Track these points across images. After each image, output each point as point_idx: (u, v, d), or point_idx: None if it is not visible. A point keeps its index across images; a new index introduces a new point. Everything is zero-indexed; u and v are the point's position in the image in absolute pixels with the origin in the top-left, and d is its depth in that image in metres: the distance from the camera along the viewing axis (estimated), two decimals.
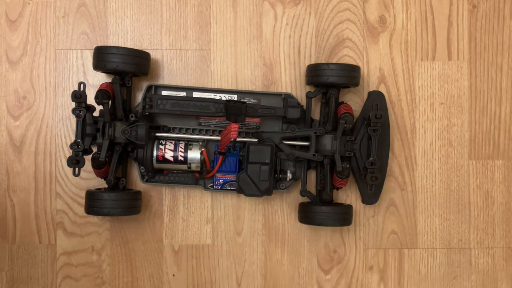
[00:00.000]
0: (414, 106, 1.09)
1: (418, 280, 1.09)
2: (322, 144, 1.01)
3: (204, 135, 1.04)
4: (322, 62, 1.08)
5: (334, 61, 1.08)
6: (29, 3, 1.07)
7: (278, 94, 1.05)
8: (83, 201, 1.02)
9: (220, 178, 1.03)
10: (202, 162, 1.01)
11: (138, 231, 1.07)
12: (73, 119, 1.00)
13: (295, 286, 1.08)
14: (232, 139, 0.95)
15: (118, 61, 0.97)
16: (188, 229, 1.07)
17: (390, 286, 1.09)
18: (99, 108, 0.99)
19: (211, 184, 1.04)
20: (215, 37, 1.08)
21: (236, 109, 0.94)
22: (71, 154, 0.95)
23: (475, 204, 1.10)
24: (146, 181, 1.03)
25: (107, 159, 0.97)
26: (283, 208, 1.08)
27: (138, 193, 1.02)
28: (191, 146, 1.01)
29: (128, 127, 0.97)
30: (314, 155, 1.00)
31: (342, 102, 1.05)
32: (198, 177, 1.04)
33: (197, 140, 1.03)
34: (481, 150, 1.10)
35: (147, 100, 0.98)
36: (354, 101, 1.08)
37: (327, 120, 1.03)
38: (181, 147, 1.00)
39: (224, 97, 1.04)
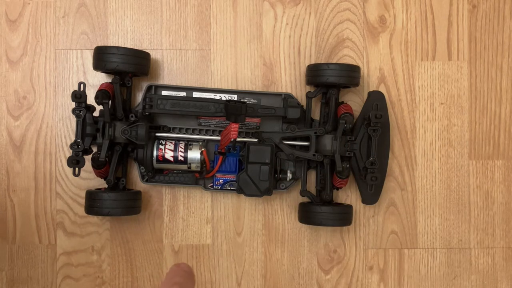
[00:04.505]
0: (414, 106, 1.09)
1: (418, 280, 1.09)
2: (322, 144, 1.01)
3: (204, 135, 1.04)
4: (322, 62, 1.08)
5: (334, 61, 1.08)
6: (29, 3, 1.07)
7: (278, 94, 1.05)
8: (83, 201, 1.02)
9: (220, 178, 1.03)
10: (202, 162, 1.01)
11: (138, 231, 1.07)
12: (73, 119, 1.00)
13: (295, 286, 1.08)
14: (232, 139, 0.95)
15: (118, 61, 0.97)
16: (188, 229, 1.07)
17: (390, 286, 1.09)
18: (99, 108, 0.99)
19: (211, 184, 1.04)
20: (215, 37, 1.08)
21: (236, 109, 0.94)
22: (71, 154, 0.96)
23: (475, 204, 1.10)
24: (146, 181, 1.03)
25: (107, 159, 0.97)
26: (283, 208, 1.08)
27: (138, 193, 1.02)
28: (191, 146, 1.01)
29: (128, 127, 0.97)
30: (314, 155, 1.00)
31: (342, 102, 1.05)
32: (198, 177, 1.04)
33: (197, 140, 1.03)
34: (481, 150, 1.10)
35: (147, 100, 0.98)
36: (354, 101, 1.08)
37: (327, 120, 1.03)
38: (181, 147, 1.01)
39: (224, 97, 1.04)
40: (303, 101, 1.05)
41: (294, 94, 1.06)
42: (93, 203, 0.97)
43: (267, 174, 0.98)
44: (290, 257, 1.08)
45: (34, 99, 1.07)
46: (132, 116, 0.99)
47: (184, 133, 1.04)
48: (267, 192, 0.99)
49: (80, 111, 0.95)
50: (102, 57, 0.97)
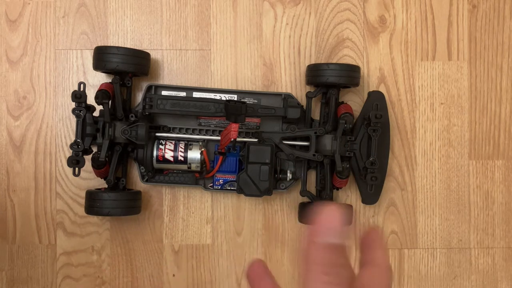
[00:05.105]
0: (414, 106, 1.09)
1: (418, 280, 1.09)
2: (322, 144, 1.01)
3: (204, 135, 1.04)
4: (322, 62, 1.08)
5: (334, 61, 1.08)
6: (29, 3, 1.07)
7: (278, 94, 1.05)
8: (83, 201, 1.02)
9: (220, 178, 1.03)
10: (202, 162, 1.01)
11: (138, 231, 1.07)
12: (73, 119, 1.00)
13: (295, 286, 1.08)
14: (232, 139, 0.95)
15: (118, 61, 0.97)
16: (188, 229, 1.07)
17: None
18: (99, 108, 0.99)
19: (211, 184, 1.04)
20: (215, 37, 1.08)
21: (236, 109, 0.94)
22: (71, 154, 0.96)
23: (475, 204, 1.10)
24: (146, 181, 1.03)
25: (107, 159, 0.97)
26: (283, 208, 1.08)
27: (138, 193, 1.02)
28: (191, 146, 1.01)
29: (128, 127, 0.97)
30: (314, 155, 1.00)
31: (342, 102, 1.05)
32: (198, 177, 1.04)
33: (197, 140, 1.03)
34: (481, 150, 1.10)
35: (147, 100, 0.98)
36: (354, 101, 1.08)
37: (327, 120, 1.03)
38: (181, 147, 1.00)
39: (224, 97, 1.04)
40: (303, 101, 1.05)
41: (294, 94, 1.06)
42: (93, 203, 0.97)
43: (267, 174, 0.98)
44: (290, 257, 1.08)
45: (34, 99, 1.07)
46: (132, 116, 0.99)
47: (184, 133, 1.04)
48: (267, 192, 0.99)
49: (80, 111, 0.95)
50: (102, 57, 0.97)
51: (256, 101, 1.05)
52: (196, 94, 1.04)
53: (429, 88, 1.10)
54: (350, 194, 1.09)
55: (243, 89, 1.07)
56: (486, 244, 1.10)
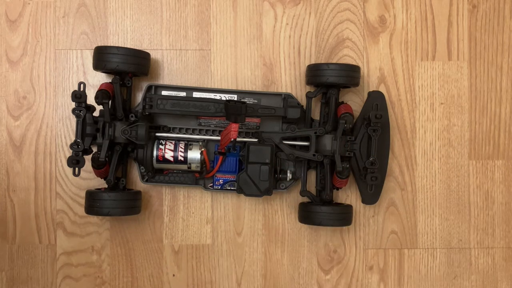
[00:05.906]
0: (414, 106, 1.09)
1: (418, 280, 1.09)
2: (322, 144, 1.01)
3: (204, 135, 1.04)
4: (322, 62, 1.08)
5: (334, 61, 1.08)
6: (29, 3, 1.07)
7: (278, 94, 1.05)
8: (83, 201, 1.02)
9: (220, 178, 1.03)
10: (202, 162, 1.01)
11: (138, 231, 1.07)
12: (73, 119, 1.00)
13: (295, 286, 1.08)
14: (232, 139, 0.95)
15: (118, 61, 0.97)
16: (188, 229, 1.07)
17: (390, 286, 1.09)
18: (99, 108, 0.99)
19: (211, 184, 1.04)
20: (215, 37, 1.08)
21: (236, 109, 0.94)
22: (71, 154, 0.96)
23: (475, 204, 1.10)
24: (146, 181, 1.04)
25: (107, 159, 0.97)
26: (283, 208, 1.08)
27: (138, 193, 1.02)
28: (191, 146, 1.01)
29: (128, 127, 0.97)
30: (314, 155, 1.00)
31: (342, 102, 1.05)
32: (198, 177, 1.04)
33: (197, 140, 1.03)
34: (481, 150, 1.10)
35: (147, 100, 0.98)
36: (354, 101, 1.08)
37: (327, 120, 1.03)
38: (181, 147, 1.01)
39: (224, 97, 1.04)
40: (303, 101, 1.05)
41: (294, 94, 1.06)
42: (93, 203, 0.97)
43: (267, 174, 0.98)
44: (290, 257, 1.08)
45: (34, 99, 1.07)
46: (132, 116, 0.99)
47: (184, 133, 1.04)
48: (267, 192, 0.99)
49: (80, 111, 0.95)
50: (102, 57, 0.97)
51: (256, 101, 1.05)
52: (196, 94, 1.04)
53: (429, 88, 1.10)
54: (350, 194, 1.09)
55: (243, 89, 1.07)
56: (486, 244, 1.10)
